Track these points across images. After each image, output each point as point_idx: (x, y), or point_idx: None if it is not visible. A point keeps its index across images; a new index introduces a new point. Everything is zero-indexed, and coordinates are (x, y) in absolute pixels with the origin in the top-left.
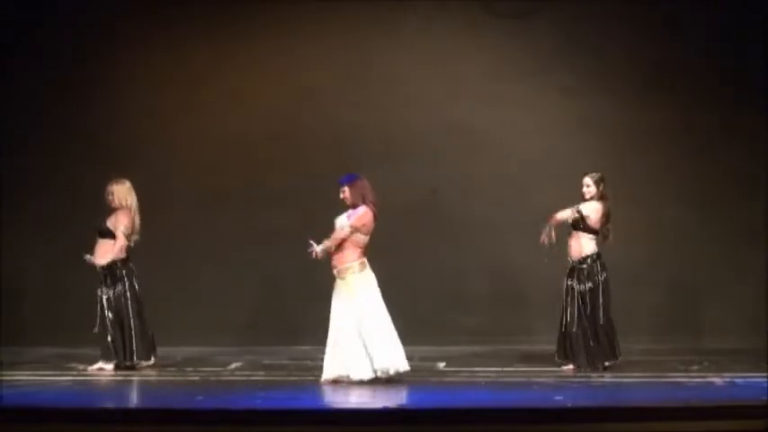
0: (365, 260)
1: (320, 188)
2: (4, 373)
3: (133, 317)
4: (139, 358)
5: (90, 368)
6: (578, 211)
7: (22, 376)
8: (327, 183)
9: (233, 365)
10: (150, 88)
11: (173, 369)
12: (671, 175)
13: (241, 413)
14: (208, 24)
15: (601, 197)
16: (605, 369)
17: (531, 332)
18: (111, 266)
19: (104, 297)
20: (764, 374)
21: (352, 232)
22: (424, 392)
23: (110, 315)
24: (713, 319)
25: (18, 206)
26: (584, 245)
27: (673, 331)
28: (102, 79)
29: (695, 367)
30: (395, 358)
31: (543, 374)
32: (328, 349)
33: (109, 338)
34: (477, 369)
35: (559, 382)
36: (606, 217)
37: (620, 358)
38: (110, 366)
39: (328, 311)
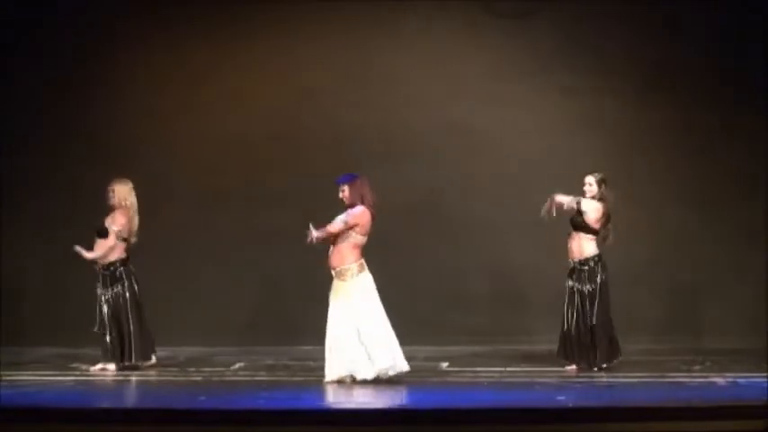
0: (363, 261)
1: (320, 188)
2: (7, 373)
3: (132, 317)
4: (138, 359)
5: (93, 368)
6: (578, 203)
7: (25, 376)
8: (327, 183)
9: (236, 365)
10: (150, 88)
11: (175, 369)
12: (671, 175)
13: (244, 413)
14: (208, 24)
15: (601, 198)
16: (607, 369)
17: (531, 332)
18: (111, 266)
19: (103, 297)
20: (765, 374)
21: (345, 228)
22: (426, 392)
23: (109, 315)
24: (714, 318)
25: (18, 206)
26: (584, 245)
27: (673, 331)
28: (102, 79)
29: (697, 367)
30: (395, 359)
31: (545, 375)
32: (327, 354)
33: (108, 339)
34: (479, 369)
35: (562, 382)
36: (606, 218)
37: (620, 358)
38: (112, 366)
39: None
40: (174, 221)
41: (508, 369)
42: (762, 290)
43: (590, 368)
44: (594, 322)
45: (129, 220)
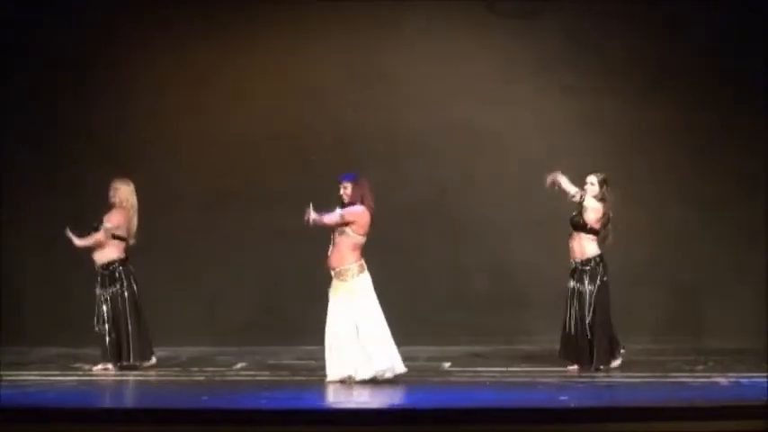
0: (363, 262)
1: (321, 188)
2: (9, 373)
3: (130, 317)
4: (136, 359)
5: (95, 368)
6: (581, 198)
7: (27, 376)
8: (329, 183)
9: (238, 365)
10: (151, 89)
11: (177, 369)
12: (672, 175)
13: (246, 413)
14: (209, 25)
15: (602, 198)
16: (605, 370)
17: (532, 332)
18: (110, 266)
19: (102, 297)
20: (765, 374)
21: (339, 222)
22: (429, 392)
23: (107, 315)
24: (715, 318)
25: (18, 206)
26: (585, 246)
27: (674, 331)
28: (102, 79)
29: (700, 367)
30: (392, 361)
31: (548, 375)
32: (327, 354)
33: (107, 339)
34: (481, 369)
35: (564, 382)
36: (606, 218)
37: (620, 359)
38: (111, 366)
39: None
40: (176, 222)
41: (510, 369)
42: (763, 290)
43: (592, 368)
44: (594, 322)
45: (128, 221)
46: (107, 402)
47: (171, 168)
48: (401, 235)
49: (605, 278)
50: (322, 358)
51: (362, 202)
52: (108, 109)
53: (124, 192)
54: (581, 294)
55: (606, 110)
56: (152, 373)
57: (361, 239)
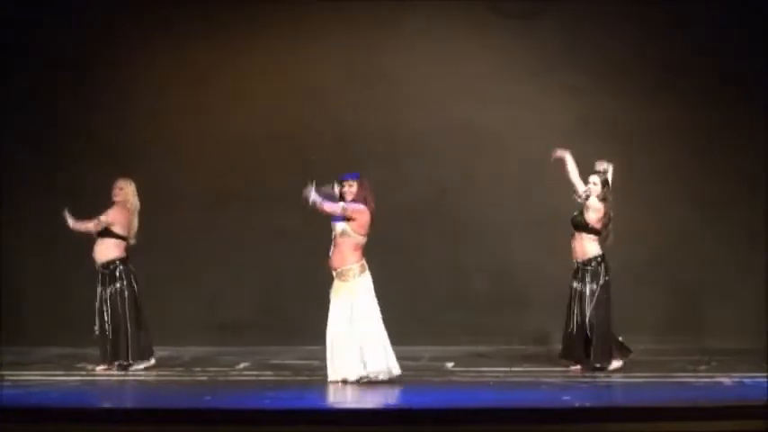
0: (364, 262)
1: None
2: (12, 373)
3: (129, 317)
4: (135, 358)
5: (98, 368)
6: (587, 196)
7: (30, 376)
8: (330, 183)
9: (241, 365)
10: (151, 89)
11: (180, 369)
12: (677, 175)
13: (249, 413)
14: (209, 25)
15: (604, 198)
16: (607, 371)
17: (535, 332)
18: (110, 266)
19: (102, 296)
20: (766, 374)
21: (339, 214)
22: (432, 392)
23: (107, 315)
24: (718, 318)
25: (18, 206)
26: (586, 246)
27: (677, 331)
28: (102, 79)
29: (703, 367)
30: (388, 362)
31: (551, 375)
32: (328, 354)
33: (106, 338)
34: (484, 369)
35: (567, 382)
36: (607, 218)
37: (621, 361)
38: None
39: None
40: (176, 221)
41: (513, 369)
42: (765, 289)
43: (594, 368)
44: (595, 322)
45: (129, 220)
46: (110, 403)
47: (171, 168)
48: (401, 235)
49: (607, 278)
50: (324, 358)
51: (365, 203)
52: (108, 109)
53: (128, 191)
54: (582, 294)
55: (609, 110)
56: (155, 373)
57: (363, 239)
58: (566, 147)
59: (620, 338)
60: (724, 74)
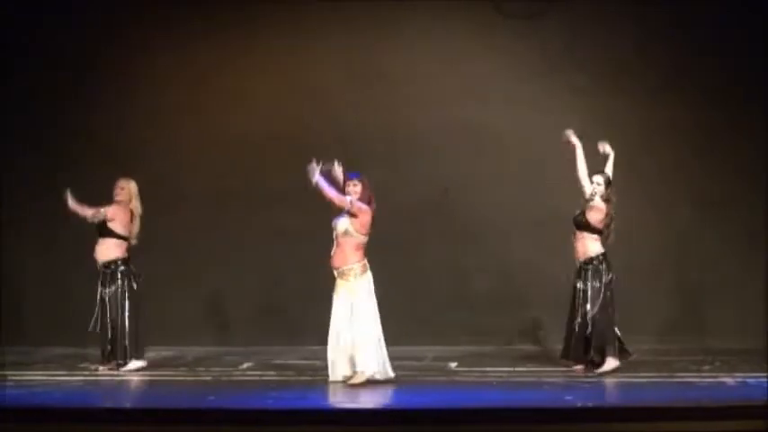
0: (366, 262)
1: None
2: (16, 372)
3: (127, 317)
4: (128, 358)
5: (101, 368)
6: (591, 197)
7: (34, 376)
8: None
9: (244, 365)
10: (151, 89)
11: (184, 369)
12: (681, 175)
13: (253, 413)
14: (209, 25)
15: (607, 198)
16: (607, 369)
17: (537, 332)
18: (111, 265)
19: (101, 295)
20: (766, 374)
21: (343, 205)
22: (435, 392)
23: (104, 314)
24: (721, 318)
25: (18, 206)
26: (588, 245)
27: (680, 331)
28: (102, 79)
29: (706, 367)
30: (384, 364)
31: (554, 374)
32: (330, 354)
33: (105, 337)
34: (487, 369)
35: (570, 382)
36: (609, 218)
37: (617, 362)
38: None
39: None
40: (177, 221)
41: (516, 369)
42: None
43: (592, 368)
44: (595, 319)
45: (129, 220)
46: (113, 403)
47: (171, 168)
48: (401, 235)
49: (609, 276)
50: (326, 358)
51: (368, 202)
52: (108, 109)
53: (131, 192)
54: (584, 293)
55: (613, 110)
56: (158, 373)
57: (364, 239)
58: (567, 147)
59: (620, 337)
60: (731, 73)
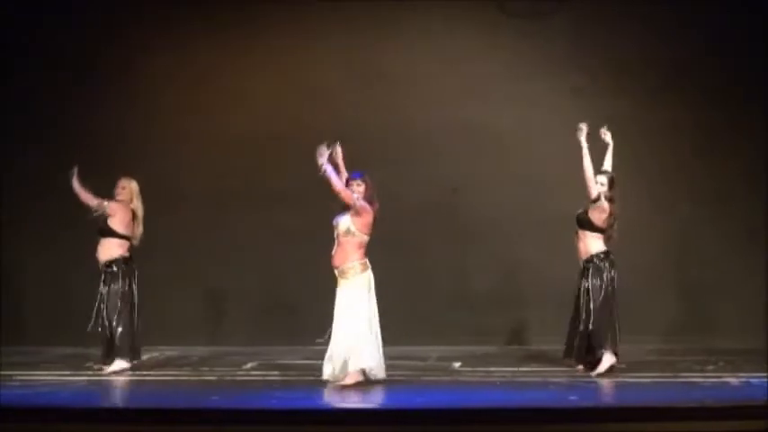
0: (367, 261)
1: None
2: (21, 372)
3: (122, 316)
4: (126, 357)
5: (106, 368)
6: (596, 199)
7: (39, 376)
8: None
9: (248, 365)
10: (151, 89)
11: (188, 369)
12: (682, 175)
13: (257, 413)
14: (209, 25)
15: (611, 198)
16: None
17: (540, 332)
18: (112, 264)
19: (101, 294)
20: (765, 374)
21: (349, 201)
22: (439, 392)
23: (105, 313)
24: (725, 318)
25: (18, 206)
26: (589, 244)
27: (684, 331)
28: (102, 79)
29: (710, 367)
30: (379, 363)
31: (557, 374)
32: (331, 353)
33: (104, 337)
34: (491, 369)
35: (574, 381)
36: (613, 218)
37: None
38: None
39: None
40: (177, 222)
41: (520, 369)
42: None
43: (590, 369)
44: (596, 317)
45: (129, 220)
46: (118, 402)
47: (171, 168)
48: (403, 235)
49: (611, 274)
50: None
51: (371, 202)
52: (108, 109)
53: (132, 191)
54: (585, 292)
55: (616, 110)
56: (162, 373)
57: (366, 238)
58: (574, 147)
59: (618, 338)
60: (732, 73)
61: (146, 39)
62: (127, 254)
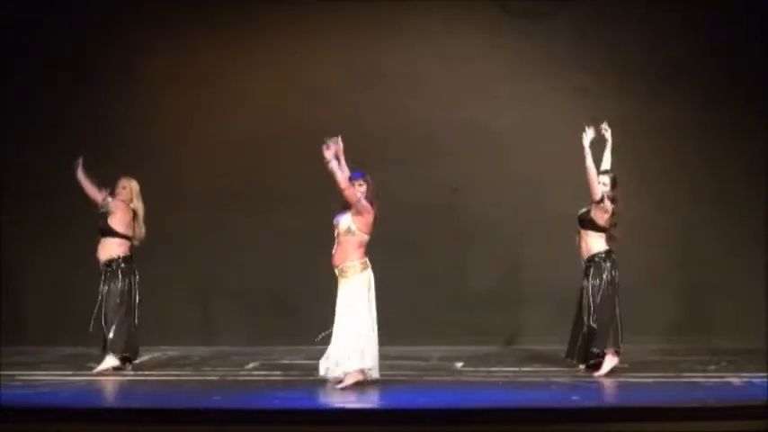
0: (367, 260)
1: (323, 188)
2: (23, 372)
3: (119, 316)
4: (114, 354)
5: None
6: (600, 200)
7: (41, 376)
8: (329, 183)
9: (250, 365)
10: (151, 89)
11: (190, 369)
12: (685, 175)
13: (259, 413)
14: (209, 25)
15: (613, 198)
16: (606, 370)
17: (540, 332)
18: (112, 263)
19: (101, 294)
20: (765, 374)
21: (351, 199)
22: (441, 392)
23: (104, 312)
24: (727, 318)
25: (18, 206)
26: (591, 243)
27: (686, 331)
28: (102, 79)
29: (713, 367)
30: (375, 364)
31: (560, 374)
32: (332, 352)
33: (104, 336)
34: (493, 369)
35: (576, 382)
36: (615, 217)
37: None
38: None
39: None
40: (177, 222)
41: (522, 369)
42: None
43: (592, 370)
44: (597, 315)
45: (129, 219)
46: (119, 402)
47: (171, 168)
48: (403, 235)
49: (613, 273)
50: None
51: (371, 203)
52: (108, 109)
53: (130, 190)
54: (586, 291)
55: (618, 110)
56: (164, 372)
57: (366, 238)
58: (577, 147)
59: (620, 337)
60: (734, 73)
61: (146, 39)
62: (127, 253)
